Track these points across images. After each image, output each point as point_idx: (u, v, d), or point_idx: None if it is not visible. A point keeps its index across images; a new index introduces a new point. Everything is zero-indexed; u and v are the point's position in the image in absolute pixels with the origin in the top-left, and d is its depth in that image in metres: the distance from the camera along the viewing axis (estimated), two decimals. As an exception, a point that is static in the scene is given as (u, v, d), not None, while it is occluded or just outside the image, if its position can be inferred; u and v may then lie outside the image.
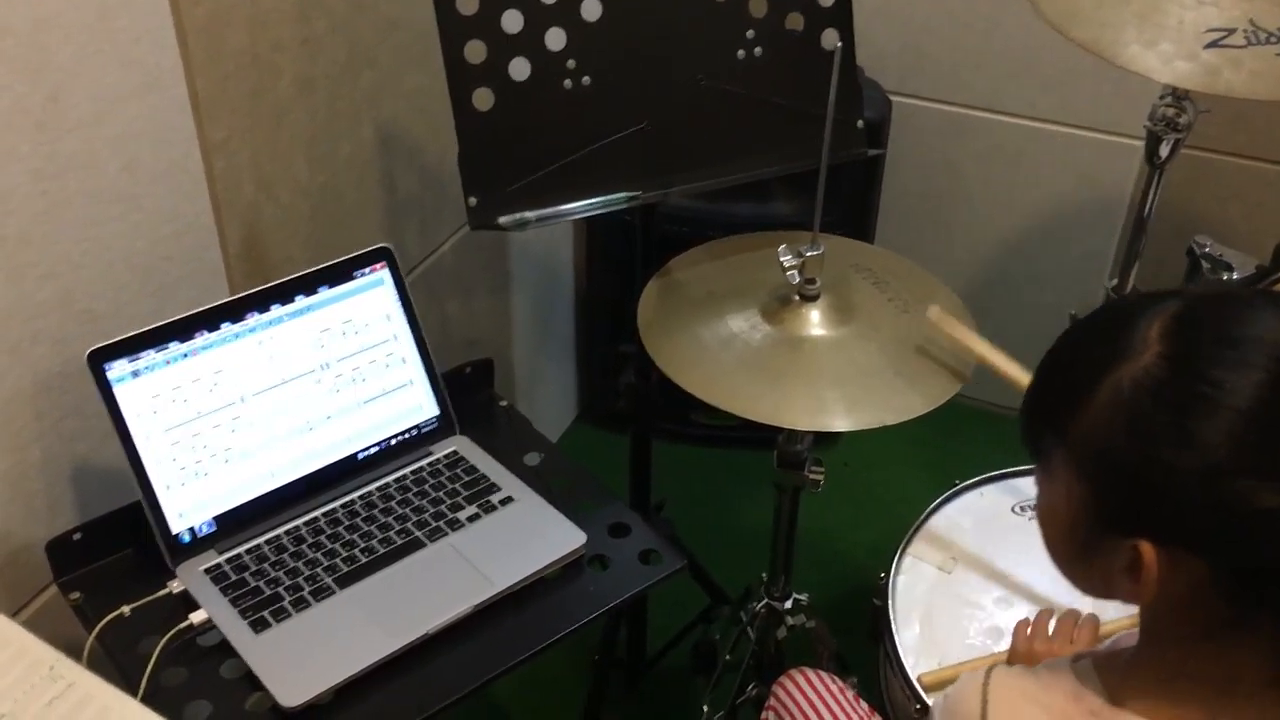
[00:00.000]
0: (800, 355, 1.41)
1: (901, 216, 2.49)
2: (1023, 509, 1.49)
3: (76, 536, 1.27)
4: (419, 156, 1.86)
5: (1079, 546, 0.85)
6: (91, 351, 1.21)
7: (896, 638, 1.36)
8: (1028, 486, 1.52)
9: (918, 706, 1.31)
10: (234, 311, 1.30)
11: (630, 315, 1.61)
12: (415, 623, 1.20)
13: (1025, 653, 1.30)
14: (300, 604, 1.23)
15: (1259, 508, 0.74)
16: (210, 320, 1.29)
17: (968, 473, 1.56)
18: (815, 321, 1.43)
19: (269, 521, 1.32)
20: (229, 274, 1.49)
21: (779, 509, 1.62)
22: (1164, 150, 1.57)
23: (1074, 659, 0.90)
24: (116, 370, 1.23)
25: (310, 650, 1.18)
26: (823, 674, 1.41)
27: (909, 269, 1.55)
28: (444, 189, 1.94)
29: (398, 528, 1.32)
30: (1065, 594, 1.36)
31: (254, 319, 1.31)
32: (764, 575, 1.73)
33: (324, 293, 1.36)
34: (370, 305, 1.39)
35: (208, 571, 1.26)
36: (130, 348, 1.24)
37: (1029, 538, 1.44)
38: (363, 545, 1.29)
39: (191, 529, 1.28)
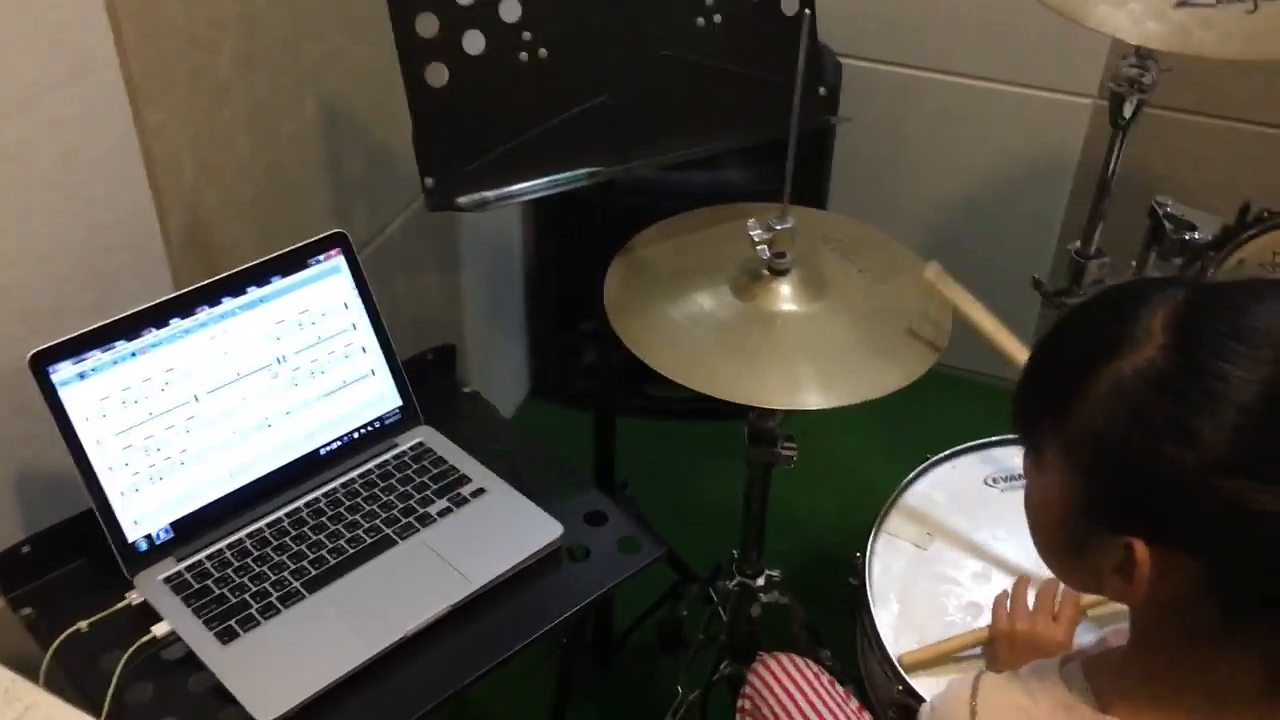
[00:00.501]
0: (772, 331, 1.38)
1: (852, 182, 2.47)
2: (995, 480, 1.47)
3: (25, 549, 1.20)
4: (365, 133, 1.80)
5: (1069, 541, 0.82)
6: (34, 354, 1.14)
7: (875, 617, 1.34)
8: (1000, 457, 1.51)
9: (899, 688, 1.29)
10: (183, 306, 1.24)
11: (587, 292, 1.57)
12: (391, 626, 1.15)
13: (1007, 632, 1.29)
14: (269, 611, 1.17)
15: (1257, 510, 0.71)
16: (158, 316, 1.22)
17: (928, 438, 1.54)
18: (786, 296, 1.40)
19: (229, 525, 1.26)
20: (172, 263, 1.42)
21: (750, 486, 1.59)
22: (1128, 110, 1.55)
23: (1062, 661, 0.88)
24: (61, 373, 1.16)
25: (282, 660, 1.13)
26: (796, 659, 1.39)
27: (876, 238, 1.53)
28: (391, 166, 1.87)
29: (366, 525, 1.27)
30: (1044, 568, 1.37)
31: (204, 313, 1.25)
32: (735, 553, 1.70)
33: (277, 283, 1.30)
34: (326, 294, 1.33)
35: (168, 580, 1.20)
36: (75, 348, 1.17)
37: (1004, 510, 1.45)
38: (330, 546, 1.24)
39: (148, 536, 1.22)
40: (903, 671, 1.29)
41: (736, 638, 1.74)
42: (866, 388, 1.31)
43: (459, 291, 2.25)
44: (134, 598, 1.19)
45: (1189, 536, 0.75)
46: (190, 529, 1.24)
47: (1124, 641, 0.88)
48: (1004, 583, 1.37)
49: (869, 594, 1.36)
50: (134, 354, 1.21)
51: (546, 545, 1.25)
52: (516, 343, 2.61)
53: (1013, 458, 1.50)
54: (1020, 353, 1.33)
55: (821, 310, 1.39)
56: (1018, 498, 1.42)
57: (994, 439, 1.52)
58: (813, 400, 1.32)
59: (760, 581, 1.69)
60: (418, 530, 1.26)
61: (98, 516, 1.19)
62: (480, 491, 1.31)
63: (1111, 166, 1.61)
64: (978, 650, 1.31)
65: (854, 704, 1.33)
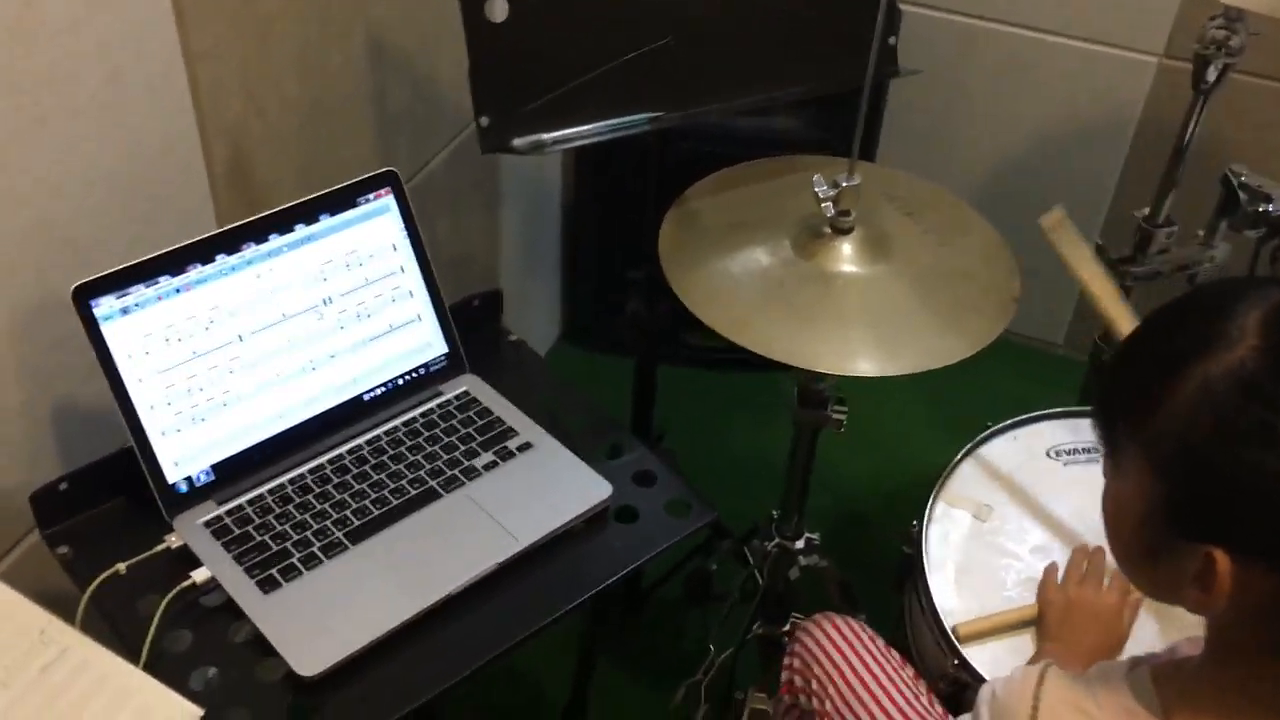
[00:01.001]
0: (832, 292, 1.33)
1: (903, 134, 2.40)
2: (1057, 453, 1.43)
3: (63, 486, 1.17)
4: (411, 65, 1.74)
5: (1145, 547, 0.79)
6: (77, 287, 1.11)
7: (931, 586, 1.31)
8: (1062, 430, 1.46)
9: (954, 661, 1.26)
10: (229, 243, 1.19)
11: (636, 240, 1.52)
12: (436, 583, 1.12)
13: (1059, 601, 1.26)
14: (310, 561, 1.14)
15: None
16: (204, 252, 1.18)
17: (974, 405, 1.49)
18: (848, 256, 1.35)
19: (271, 470, 1.23)
20: (215, 196, 1.37)
21: (796, 447, 1.55)
22: (1211, 74, 1.49)
23: (1130, 666, 0.85)
24: (104, 307, 1.12)
25: (325, 613, 1.10)
26: (851, 621, 1.36)
27: (943, 198, 1.47)
28: (436, 99, 1.82)
29: (410, 476, 1.23)
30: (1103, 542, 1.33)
31: (250, 250, 1.21)
32: (774, 513, 1.67)
33: (325, 221, 1.25)
34: (375, 234, 1.29)
35: (208, 525, 1.17)
36: (118, 282, 1.13)
37: (1066, 484, 1.41)
38: (374, 496, 1.21)
39: (188, 478, 1.19)
40: (957, 643, 1.26)
41: (771, 599, 1.71)
42: (927, 356, 1.26)
43: (497, 231, 2.20)
44: (173, 541, 1.16)
45: (1273, 547, 0.72)
46: (231, 472, 1.21)
47: (1197, 650, 0.84)
48: (1064, 558, 1.33)
49: (925, 563, 1.32)
50: (178, 290, 1.17)
51: (595, 505, 1.21)
52: (550, 285, 2.56)
53: (1075, 431, 1.46)
54: (1127, 322, 1.29)
55: (884, 272, 1.34)
56: (1080, 472, 1.41)
57: (1057, 410, 1.48)
58: (871, 367, 1.27)
59: (800, 544, 1.66)
60: (463, 484, 1.23)
61: (138, 456, 1.16)
62: (527, 446, 1.27)
63: (1189, 132, 1.55)
64: (1033, 626, 1.27)
65: (910, 671, 1.31)
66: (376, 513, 1.19)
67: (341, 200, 1.26)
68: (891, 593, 1.50)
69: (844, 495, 2.22)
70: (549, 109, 1.33)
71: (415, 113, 1.78)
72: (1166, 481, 0.75)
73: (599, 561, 1.19)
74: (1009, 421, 1.46)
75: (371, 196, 1.28)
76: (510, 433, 1.28)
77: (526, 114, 1.32)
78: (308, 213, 1.24)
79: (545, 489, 1.23)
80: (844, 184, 1.31)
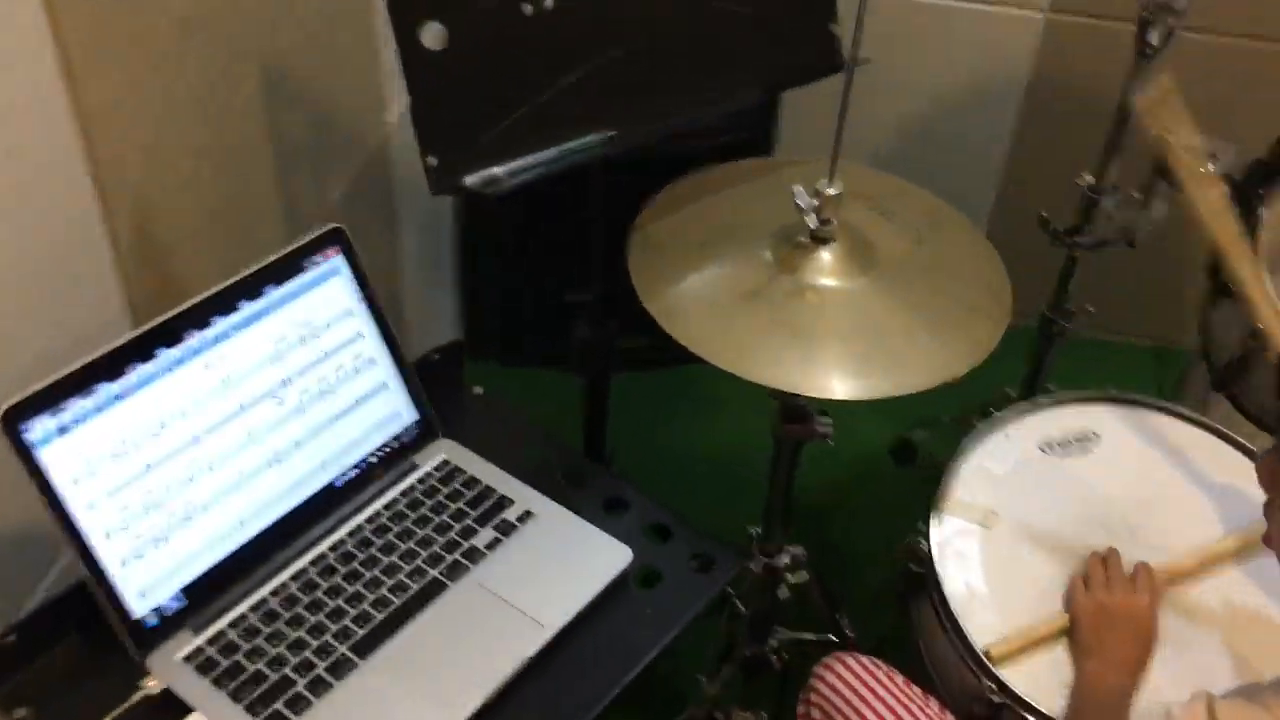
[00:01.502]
0: (822, 306, 1.25)
1: (798, 116, 2.32)
2: (1050, 447, 1.39)
3: (9, 640, 1.00)
4: (307, 95, 1.58)
5: None
6: (5, 411, 0.94)
7: (953, 607, 1.25)
8: (1049, 420, 1.42)
9: (991, 684, 1.20)
10: (169, 334, 1.04)
11: (574, 260, 1.43)
12: (468, 689, 1.01)
13: (1092, 609, 1.22)
14: (319, 687, 1.01)
15: None
16: (142, 349, 1.02)
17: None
18: (832, 266, 1.27)
19: (248, 583, 1.09)
20: (123, 275, 1.20)
21: (777, 462, 1.47)
22: (1155, 37, 1.46)
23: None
24: (38, 430, 0.96)
25: (350, 746, 0.97)
26: (865, 659, 1.29)
27: (903, 189, 1.41)
28: (334, 130, 1.67)
29: (408, 568, 1.11)
30: (1120, 537, 1.30)
31: (194, 339, 1.05)
32: (754, 531, 1.60)
33: (272, 293, 1.11)
34: (327, 300, 1.15)
35: (189, 659, 1.03)
36: (51, 399, 0.97)
37: (1064, 479, 1.37)
38: (373, 597, 1.08)
39: (157, 609, 1.04)
40: (991, 666, 1.21)
41: (758, 619, 1.64)
42: (929, 372, 1.20)
43: (397, 252, 2.06)
44: (152, 685, 1.01)
45: None
46: (204, 593, 1.06)
47: None
48: (1080, 557, 1.29)
49: (941, 582, 1.27)
50: (119, 397, 1.01)
51: (618, 574, 1.11)
52: (448, 302, 2.42)
53: (1063, 419, 1.42)
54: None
55: (871, 281, 1.27)
56: (1077, 465, 1.37)
57: (1044, 400, 1.43)
58: (872, 387, 1.19)
59: (785, 559, 1.59)
60: (468, 569, 1.11)
61: (96, 593, 1.00)
62: (528, 515, 1.16)
63: (1132, 97, 1.52)
64: (1064, 639, 1.23)
65: (934, 705, 1.25)
66: (380, 616, 1.07)
67: (287, 267, 1.12)
68: (894, 613, 1.44)
69: (809, 502, 2.14)
70: (500, 141, 1.21)
71: (314, 146, 1.62)
72: None
73: (633, 633, 1.09)
74: (995, 417, 1.41)
75: (319, 259, 1.14)
76: (505, 501, 1.17)
77: (478, 149, 1.20)
78: (252, 287, 1.09)
79: (560, 562, 1.12)
80: (827, 191, 1.23)
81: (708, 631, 1.72)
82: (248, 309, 1.09)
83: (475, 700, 1.00)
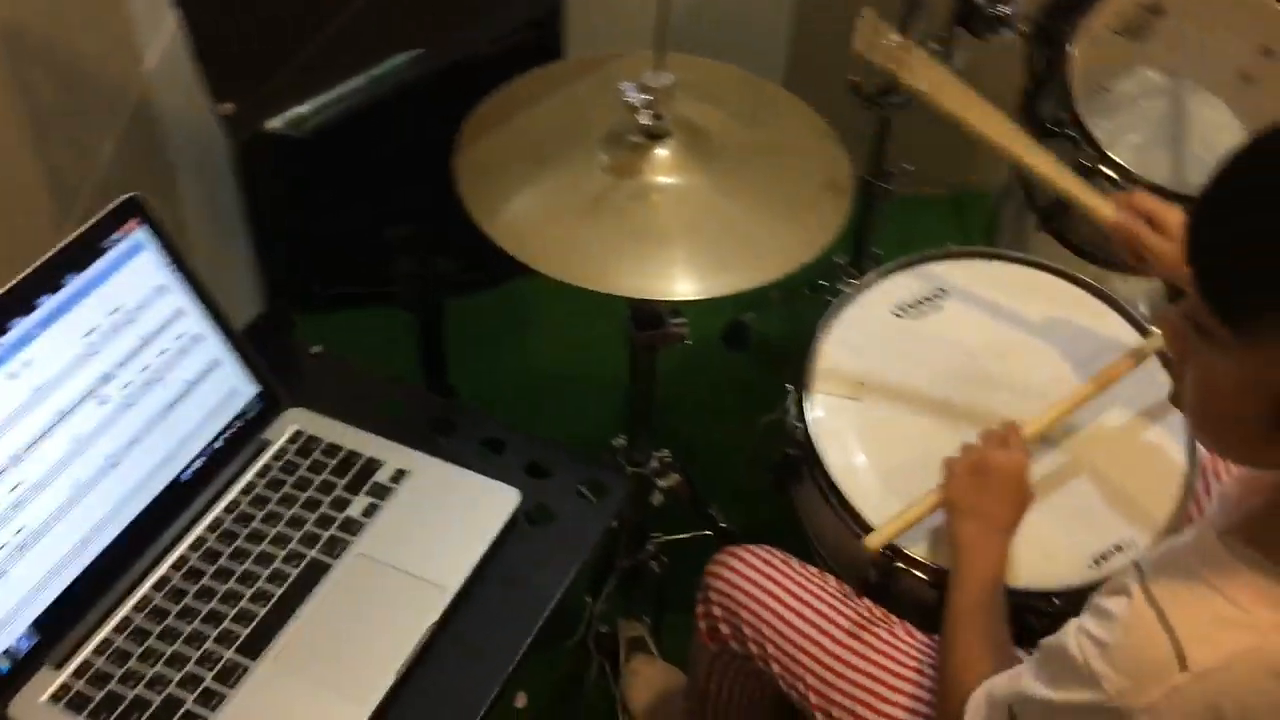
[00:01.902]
0: (663, 208, 1.21)
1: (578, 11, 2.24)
2: (904, 311, 1.39)
3: None
4: (53, 54, 1.41)
5: (1274, 421, 0.73)
6: None
7: (838, 483, 1.25)
8: (896, 287, 1.41)
9: (886, 551, 1.20)
10: (-37, 345, 0.91)
11: (388, 195, 1.33)
12: (375, 671, 0.94)
13: (965, 468, 1.19)
14: (212, 699, 0.92)
15: None
16: (-66, 368, 0.89)
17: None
18: (670, 162, 1.22)
19: (106, 604, 0.98)
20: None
21: (636, 369, 1.43)
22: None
23: (1214, 531, 0.80)
24: None
25: (262, 757, 0.89)
26: (757, 549, 1.28)
27: (726, 72, 1.36)
28: (84, 82, 1.50)
29: (283, 554, 1.02)
30: (984, 387, 1.32)
31: (-7, 346, 0.93)
32: (617, 441, 1.56)
33: (73, 283, 0.98)
34: (137, 280, 1.03)
35: (56, 698, 0.92)
36: None
37: (923, 339, 1.37)
38: (250, 592, 0.99)
39: (7, 652, 0.93)
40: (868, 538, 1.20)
41: (633, 528, 1.62)
42: (777, 263, 1.17)
43: (182, 210, 1.89)
44: (20, 737, 0.90)
45: None
46: (59, 624, 0.96)
47: (1250, 492, 0.82)
48: (949, 421, 1.30)
49: (821, 459, 1.26)
50: (-82, 427, 0.88)
51: (507, 517, 1.05)
52: (242, 253, 2.26)
53: (910, 282, 1.42)
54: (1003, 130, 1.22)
55: (712, 173, 1.23)
56: (931, 323, 1.37)
57: (888, 265, 1.43)
58: (721, 285, 1.16)
59: (654, 465, 1.56)
60: (349, 542, 1.03)
61: (-66, 650, 0.88)
62: (401, 474, 1.08)
63: (926, -49, 1.51)
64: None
65: (831, 580, 1.25)
66: (263, 611, 0.98)
67: (86, 250, 0.99)
68: (770, 499, 1.42)
69: (589, 394, 2.10)
70: (299, 76, 1.10)
71: (69, 106, 1.45)
72: None
73: (538, 574, 1.04)
74: (851, 288, 1.40)
75: (119, 235, 1.01)
76: (374, 464, 1.09)
77: (274, 89, 1.09)
78: (49, 279, 0.96)
79: (446, 517, 1.05)
80: (657, 84, 1.18)
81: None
82: (49, 304, 0.96)
83: (387, 678, 0.93)
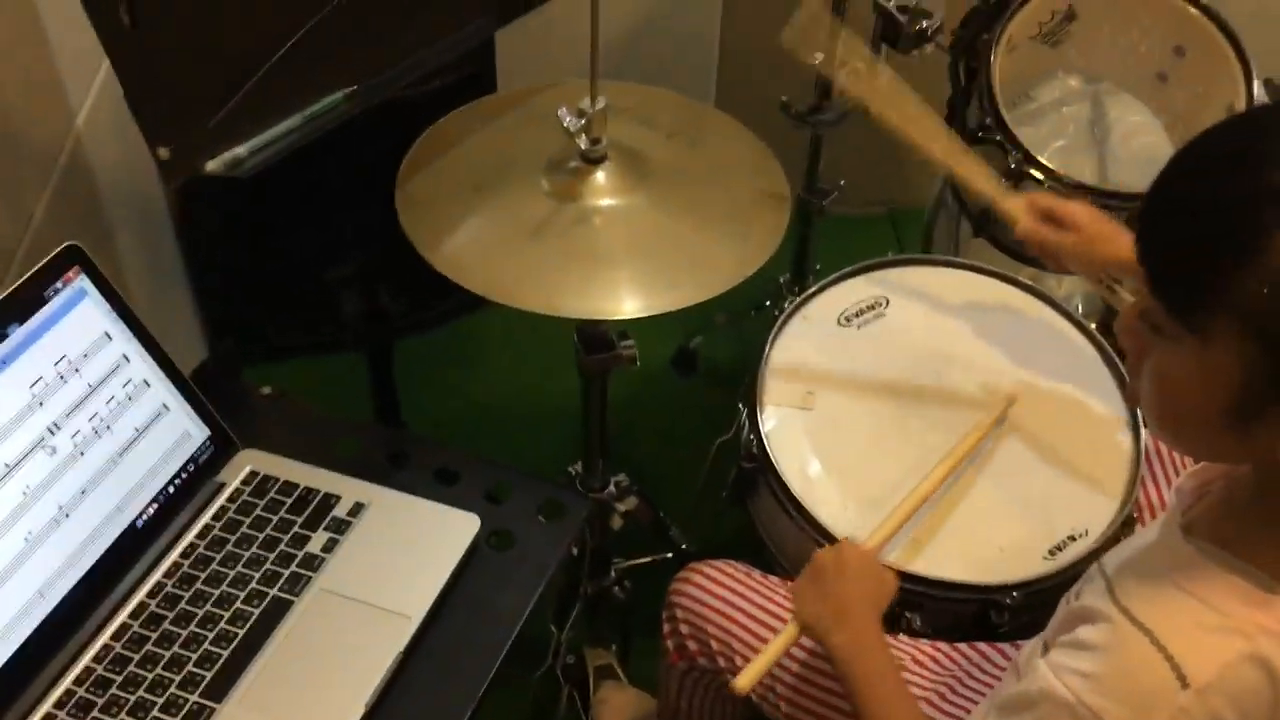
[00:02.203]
0: (604, 229, 1.22)
1: (509, 48, 2.26)
2: (848, 319, 1.41)
3: None
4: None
5: (1231, 415, 0.72)
6: None
7: (796, 493, 1.26)
8: (839, 298, 1.44)
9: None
10: (-94, 401, 0.90)
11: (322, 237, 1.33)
12: (344, 704, 0.94)
13: (799, 586, 1.13)
14: (180, 746, 0.91)
15: None
16: (-123, 425, 0.88)
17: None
18: (608, 185, 1.24)
19: (65, 656, 0.97)
20: None
21: (588, 395, 1.44)
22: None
23: (1177, 532, 0.80)
24: None
25: (234, 798, 0.88)
26: (717, 563, 1.28)
27: (659, 96, 1.39)
28: (13, 137, 1.49)
29: (243, 594, 1.01)
30: (928, 387, 1.34)
31: (-64, 401, 0.92)
32: (574, 469, 1.57)
33: (16, 333, 0.97)
34: (80, 328, 1.03)
35: (19, 757, 0.91)
36: None
37: (868, 346, 1.39)
38: (212, 634, 0.98)
39: (-34, 712, 0.91)
40: (839, 539, 1.22)
41: (594, 554, 1.62)
42: (718, 276, 1.19)
43: (119, 265, 1.87)
44: (-16, 798, 0.88)
45: None
46: (17, 680, 0.94)
47: (1203, 484, 0.84)
48: (901, 415, 1.32)
49: (777, 469, 1.27)
50: None
51: (468, 543, 1.05)
52: (183, 306, 2.24)
53: (853, 292, 1.44)
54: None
55: (650, 194, 1.25)
56: (874, 330, 1.40)
57: (832, 276, 1.45)
58: (663, 301, 1.18)
59: (612, 489, 1.57)
60: (310, 578, 1.03)
61: (-112, 714, 0.86)
62: (359, 507, 1.08)
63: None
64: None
65: (796, 589, 1.26)
66: (226, 653, 0.97)
67: (27, 301, 0.98)
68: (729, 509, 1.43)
69: (560, 417, 2.10)
70: (235, 117, 1.10)
71: (3, 169, 1.44)
72: (1270, 346, 0.68)
73: (502, 598, 1.04)
74: (797, 301, 1.42)
75: (60, 284, 1.01)
76: (331, 499, 1.09)
77: (211, 130, 1.09)
78: (-9, 331, 0.96)
79: (406, 547, 1.05)
80: (593, 110, 1.19)
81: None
82: (-9, 355, 0.95)
83: (356, 710, 0.93)
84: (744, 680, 1.10)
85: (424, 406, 1.96)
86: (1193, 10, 1.55)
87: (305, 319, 2.10)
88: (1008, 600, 1.20)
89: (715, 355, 2.21)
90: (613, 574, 1.68)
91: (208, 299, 2.24)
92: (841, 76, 1.33)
